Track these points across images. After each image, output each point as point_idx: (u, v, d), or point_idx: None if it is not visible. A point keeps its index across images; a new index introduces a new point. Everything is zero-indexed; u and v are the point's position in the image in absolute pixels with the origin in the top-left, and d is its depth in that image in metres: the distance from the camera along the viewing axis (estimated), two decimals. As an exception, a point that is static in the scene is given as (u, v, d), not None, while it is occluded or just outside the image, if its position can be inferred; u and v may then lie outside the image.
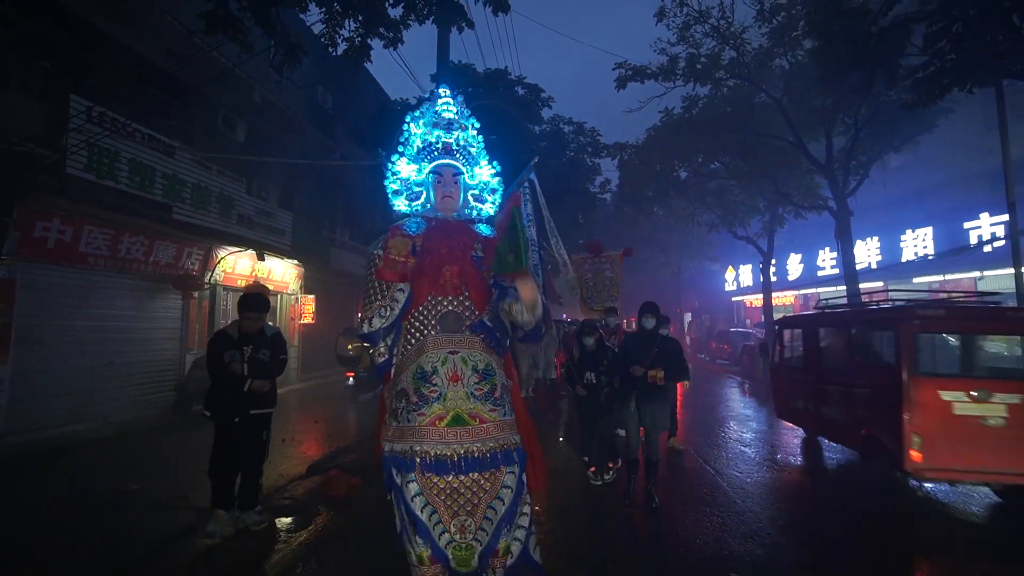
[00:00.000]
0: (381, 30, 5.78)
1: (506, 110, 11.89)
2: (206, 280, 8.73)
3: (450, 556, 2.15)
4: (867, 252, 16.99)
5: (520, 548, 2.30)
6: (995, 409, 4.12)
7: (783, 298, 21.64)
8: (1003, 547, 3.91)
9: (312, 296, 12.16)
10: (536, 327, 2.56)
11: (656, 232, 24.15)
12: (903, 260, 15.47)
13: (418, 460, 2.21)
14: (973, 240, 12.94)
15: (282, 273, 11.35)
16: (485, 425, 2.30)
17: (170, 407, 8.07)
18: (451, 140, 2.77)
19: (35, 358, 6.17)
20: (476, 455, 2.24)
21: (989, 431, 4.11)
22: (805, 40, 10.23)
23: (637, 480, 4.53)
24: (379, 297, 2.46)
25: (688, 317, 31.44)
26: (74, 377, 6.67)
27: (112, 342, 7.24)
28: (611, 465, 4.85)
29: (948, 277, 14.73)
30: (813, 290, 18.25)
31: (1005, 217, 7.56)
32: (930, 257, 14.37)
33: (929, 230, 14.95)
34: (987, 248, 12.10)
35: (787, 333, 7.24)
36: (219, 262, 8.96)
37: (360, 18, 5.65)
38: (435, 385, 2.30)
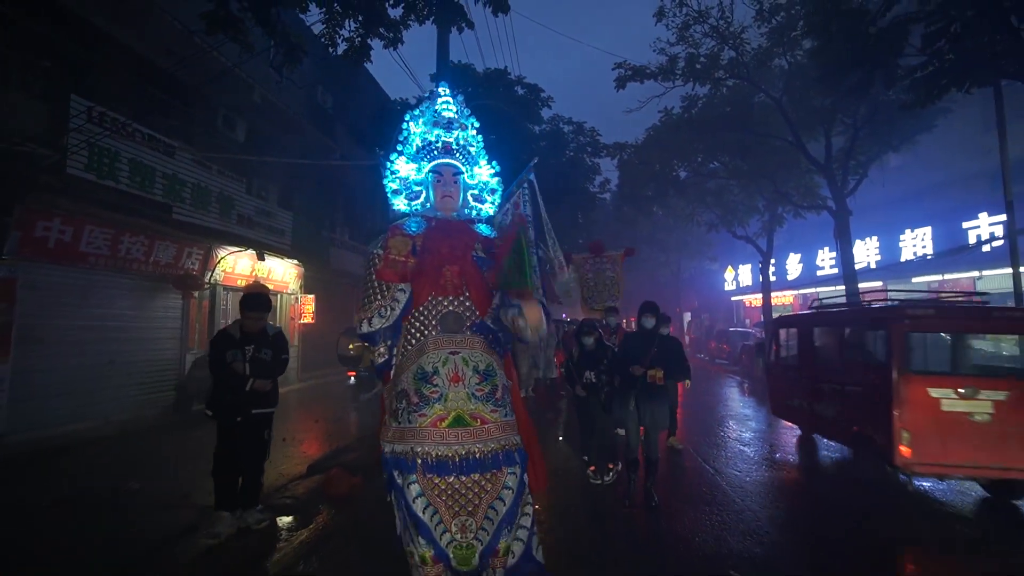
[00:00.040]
0: (381, 30, 5.80)
1: (506, 110, 11.91)
2: (206, 280, 8.73)
3: (451, 555, 2.15)
4: (866, 252, 17.01)
5: (522, 548, 2.29)
6: (982, 406, 4.26)
7: (782, 298, 21.66)
8: (991, 541, 3.98)
9: (312, 296, 12.17)
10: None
11: (655, 232, 24.18)
12: (902, 260, 15.50)
13: (419, 461, 2.20)
14: (972, 240, 12.97)
15: (282, 273, 11.36)
16: (487, 426, 2.30)
17: (170, 406, 8.08)
18: (451, 139, 2.76)
19: (36, 357, 6.18)
20: (478, 456, 2.24)
21: (976, 427, 4.25)
22: (804, 40, 10.24)
23: (637, 479, 4.55)
24: (379, 297, 2.45)
25: (687, 317, 31.47)
26: (75, 376, 6.68)
27: (112, 342, 7.25)
28: (611, 466, 4.85)
29: (947, 277, 14.76)
30: (812, 290, 18.26)
31: (1004, 217, 7.58)
32: (929, 257, 14.40)
33: (928, 230, 14.97)
34: (986, 248, 12.12)
35: (783, 332, 7.33)
36: (219, 262, 8.97)
37: (360, 18, 5.67)
38: (436, 386, 2.30)
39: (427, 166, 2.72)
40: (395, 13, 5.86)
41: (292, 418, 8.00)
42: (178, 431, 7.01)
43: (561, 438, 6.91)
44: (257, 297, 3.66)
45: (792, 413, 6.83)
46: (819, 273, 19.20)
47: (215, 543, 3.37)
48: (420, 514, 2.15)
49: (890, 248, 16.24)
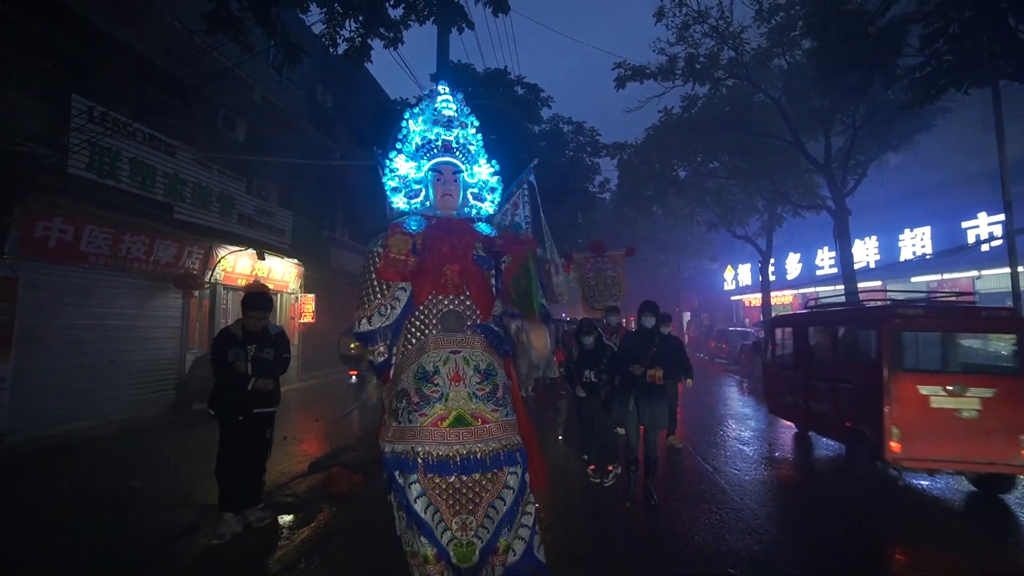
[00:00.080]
0: (381, 30, 5.81)
1: (506, 110, 11.92)
2: (206, 279, 8.75)
3: (451, 553, 2.14)
4: (865, 251, 17.04)
5: (524, 547, 2.28)
6: (969, 402, 4.42)
7: (782, 297, 21.69)
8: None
9: (312, 295, 12.19)
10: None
11: (655, 231, 24.20)
12: (901, 259, 15.52)
13: (420, 461, 2.19)
14: (971, 240, 12.99)
15: (282, 272, 11.37)
16: (488, 426, 2.28)
17: (170, 405, 8.09)
18: (451, 138, 2.74)
19: (36, 357, 6.19)
20: (479, 456, 2.22)
21: (964, 423, 4.40)
22: (803, 40, 10.26)
23: (636, 478, 4.57)
24: (379, 295, 2.44)
25: (687, 316, 31.50)
26: (75, 376, 6.69)
27: (113, 341, 7.26)
28: (610, 468, 4.84)
29: (946, 276, 14.77)
30: (812, 289, 18.29)
31: (1003, 216, 7.60)
32: (928, 257, 14.42)
33: (927, 229, 14.99)
34: (985, 247, 12.14)
35: (779, 331, 7.46)
36: (219, 261, 8.98)
37: (360, 18, 5.68)
38: (437, 385, 2.28)
39: (427, 164, 2.70)
40: (395, 13, 5.88)
41: (292, 417, 8.02)
42: (178, 430, 7.03)
43: (561, 438, 6.93)
44: (259, 296, 3.65)
45: (788, 410, 6.96)
46: (819, 273, 19.22)
47: (219, 543, 3.37)
48: (422, 514, 2.14)
49: (889, 248, 16.26)
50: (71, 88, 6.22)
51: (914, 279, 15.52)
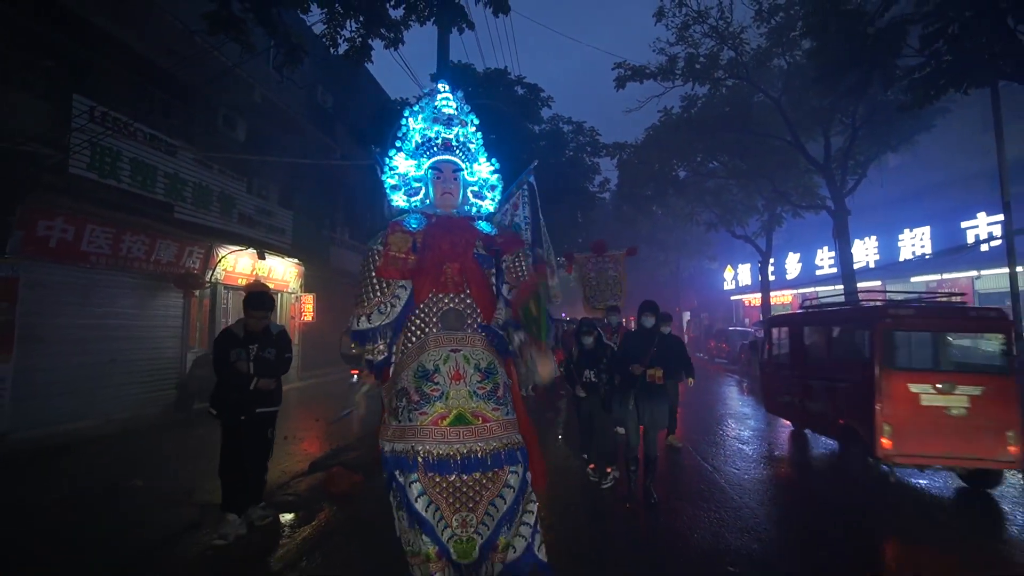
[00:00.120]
0: (382, 31, 5.83)
1: (505, 110, 11.94)
2: (207, 279, 8.76)
3: (451, 549, 2.14)
4: (865, 251, 17.05)
5: (524, 544, 2.28)
6: (958, 400, 4.57)
7: (781, 297, 21.71)
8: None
9: (312, 295, 12.21)
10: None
11: (655, 231, 24.22)
12: (901, 259, 15.54)
13: (420, 460, 2.18)
14: (970, 239, 13.01)
15: (282, 272, 11.39)
16: (488, 424, 2.28)
17: (171, 405, 8.11)
18: (451, 136, 2.74)
19: (38, 356, 6.20)
20: (479, 455, 2.21)
21: (952, 420, 4.55)
22: (803, 40, 10.28)
23: (636, 477, 4.58)
24: (378, 293, 2.43)
25: (687, 316, 31.52)
26: (76, 375, 6.71)
27: (114, 340, 7.28)
28: (609, 470, 4.82)
29: (945, 276, 14.79)
30: (811, 289, 18.32)
31: (1002, 217, 7.62)
32: (928, 256, 14.44)
33: (927, 229, 15.01)
34: (984, 247, 12.16)
35: (775, 331, 7.58)
36: (220, 261, 9.00)
37: (361, 19, 5.69)
38: (437, 384, 2.27)
39: (427, 162, 2.69)
40: (396, 14, 5.89)
41: (293, 417, 8.03)
42: (179, 429, 7.05)
43: (561, 437, 6.95)
44: (260, 296, 3.65)
45: (784, 409, 7.07)
46: (818, 272, 19.24)
47: (222, 544, 3.36)
48: (423, 512, 2.14)
49: (889, 248, 16.28)
50: (72, 88, 6.23)
51: (913, 279, 15.53)
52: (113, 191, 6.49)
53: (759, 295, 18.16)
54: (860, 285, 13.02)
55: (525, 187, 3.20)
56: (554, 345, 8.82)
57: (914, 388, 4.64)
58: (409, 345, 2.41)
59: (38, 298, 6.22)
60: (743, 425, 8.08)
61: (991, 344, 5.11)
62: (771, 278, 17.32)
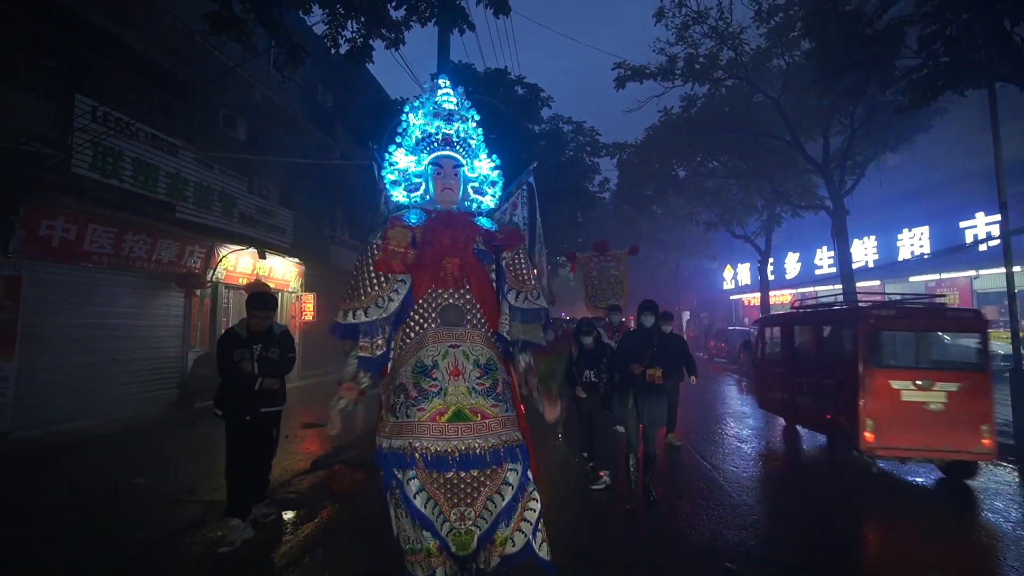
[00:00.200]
0: (383, 31, 5.84)
1: (505, 110, 11.95)
2: (208, 278, 8.79)
3: (450, 542, 2.14)
4: (864, 251, 17.10)
5: (524, 541, 2.27)
6: (936, 396, 4.84)
7: (781, 296, 21.76)
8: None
9: (312, 294, 12.23)
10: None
11: (655, 231, 24.25)
12: (900, 259, 15.59)
13: (418, 456, 2.16)
14: (969, 239, 13.05)
15: (283, 271, 11.41)
16: (487, 421, 2.26)
17: (172, 404, 8.13)
18: (451, 131, 2.73)
19: (40, 355, 6.23)
20: (478, 451, 2.19)
21: (931, 414, 4.82)
22: (802, 41, 10.30)
23: (636, 475, 4.61)
24: (375, 287, 2.40)
25: (686, 315, 31.56)
26: (78, 374, 6.73)
27: (115, 339, 7.30)
28: (602, 474, 4.80)
29: (944, 276, 14.85)
30: (811, 288, 18.38)
31: (1000, 216, 7.66)
32: (926, 256, 14.49)
33: (925, 229, 15.06)
34: (982, 247, 12.20)
35: (767, 331, 7.87)
36: (221, 260, 9.02)
37: (362, 19, 5.71)
38: (435, 380, 2.25)
39: (427, 158, 2.68)
40: (397, 15, 5.90)
41: (294, 415, 8.06)
42: (180, 428, 7.08)
43: (561, 437, 6.98)
44: (262, 296, 3.65)
45: (776, 405, 7.33)
46: (817, 272, 19.30)
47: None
48: (422, 509, 2.13)
49: (888, 247, 16.33)
50: (74, 88, 6.26)
51: (912, 279, 15.59)
52: (115, 191, 6.52)
53: (759, 294, 18.20)
54: (859, 285, 13.06)
55: (524, 187, 3.21)
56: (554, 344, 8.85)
57: (895, 384, 4.89)
58: (408, 341, 2.39)
59: (40, 297, 6.24)
60: (742, 424, 8.12)
61: (967, 343, 5.36)
62: (770, 278, 17.35)
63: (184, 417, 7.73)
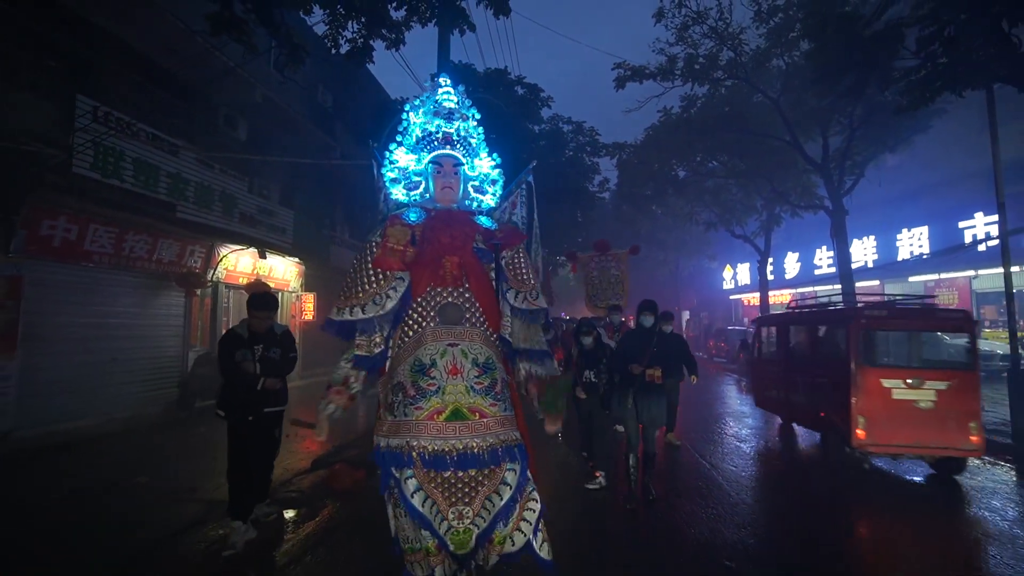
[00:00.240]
0: (383, 32, 5.86)
1: (504, 109, 11.96)
2: (209, 278, 8.80)
3: (449, 541, 2.13)
4: (863, 251, 17.13)
5: (524, 541, 2.26)
6: (926, 394, 4.98)
7: (780, 296, 21.79)
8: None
9: (312, 293, 12.25)
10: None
11: (654, 231, 24.28)
12: (899, 259, 15.61)
13: (415, 455, 2.15)
14: (968, 239, 13.07)
15: (283, 271, 11.43)
16: (485, 420, 2.25)
17: (173, 403, 8.14)
18: (451, 130, 2.72)
19: (41, 355, 6.24)
20: (475, 451, 2.18)
21: (921, 412, 4.96)
22: (802, 41, 10.32)
23: (636, 475, 4.62)
24: (373, 284, 2.40)
25: (686, 315, 31.58)
26: (79, 373, 6.74)
27: (116, 339, 7.31)
28: (597, 475, 4.81)
29: (943, 276, 14.88)
30: (810, 288, 18.41)
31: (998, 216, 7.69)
32: (925, 256, 14.52)
33: (925, 229, 15.09)
34: (981, 247, 12.22)
35: (764, 330, 7.99)
36: (221, 260, 9.04)
37: (363, 20, 5.73)
38: (433, 378, 2.24)
39: (427, 157, 2.67)
40: (398, 15, 5.93)
41: (295, 415, 8.07)
42: (181, 428, 7.10)
43: (560, 436, 6.99)
44: (263, 297, 3.65)
45: (772, 403, 7.46)
46: (816, 272, 19.33)
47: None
48: (419, 508, 2.12)
49: (887, 247, 16.36)
50: (75, 88, 6.27)
51: (912, 279, 15.62)
52: (116, 191, 6.53)
53: (758, 294, 18.23)
54: (859, 285, 13.09)
55: (523, 186, 3.22)
56: (555, 343, 8.90)
57: (886, 383, 5.02)
58: (406, 339, 2.38)
59: (41, 297, 6.26)
60: (740, 423, 8.15)
61: (956, 342, 5.47)
62: (770, 277, 17.38)
63: (184, 416, 7.75)
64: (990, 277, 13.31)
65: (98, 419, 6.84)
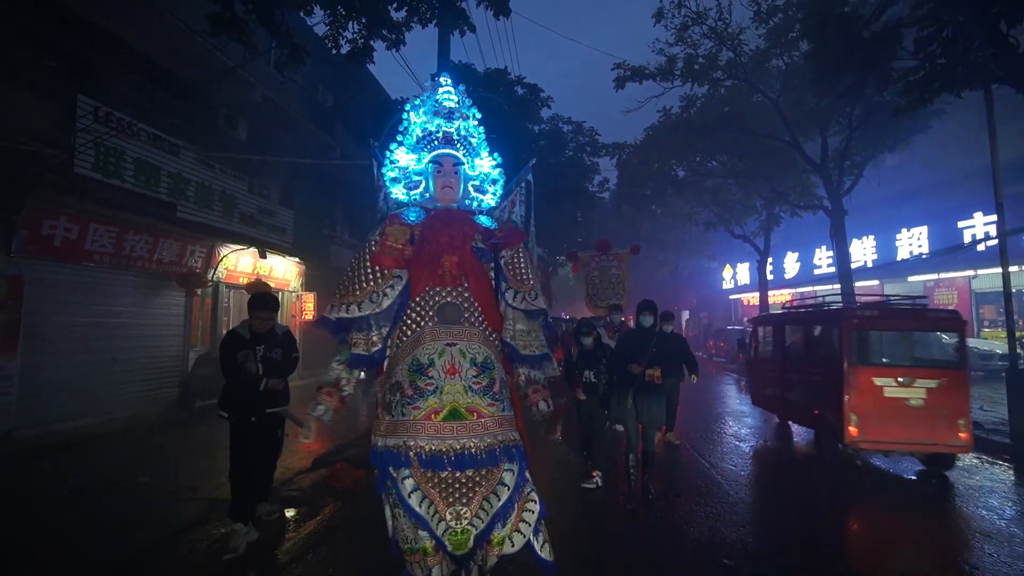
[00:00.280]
0: (384, 32, 5.88)
1: (505, 107, 11.97)
2: (209, 277, 8.81)
3: (447, 542, 2.12)
4: (863, 251, 17.14)
5: (523, 541, 2.25)
6: (916, 392, 5.10)
7: (780, 296, 21.81)
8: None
9: (313, 293, 12.27)
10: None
11: (654, 230, 24.30)
12: (898, 259, 15.63)
13: (412, 455, 2.14)
14: (967, 239, 13.08)
15: (283, 271, 11.44)
16: (483, 420, 2.23)
17: (173, 403, 8.15)
18: (452, 129, 2.72)
19: (41, 354, 6.25)
20: (472, 451, 2.16)
21: (912, 410, 5.07)
22: (801, 41, 10.34)
23: (635, 474, 4.64)
24: (371, 282, 2.39)
25: (686, 315, 31.60)
26: (79, 373, 6.76)
27: (116, 338, 7.33)
28: (594, 475, 4.81)
29: (943, 276, 14.90)
30: (810, 288, 18.43)
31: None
32: (925, 256, 14.53)
33: (924, 229, 15.10)
34: (980, 247, 12.24)
35: (760, 330, 8.11)
36: (222, 260, 9.05)
37: (363, 20, 5.74)
38: (431, 378, 2.23)
39: (427, 156, 2.67)
40: (398, 16, 5.94)
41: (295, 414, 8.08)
42: (181, 428, 7.12)
43: (560, 436, 7.01)
44: (264, 297, 3.64)
45: (768, 401, 7.56)
46: (816, 272, 19.35)
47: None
48: (416, 508, 2.12)
49: (887, 247, 16.37)
50: (76, 88, 6.29)
51: (911, 278, 15.64)
52: (117, 191, 6.55)
53: (758, 294, 18.25)
54: (858, 284, 13.11)
55: (523, 184, 3.22)
56: (555, 343, 8.90)
57: (878, 381, 5.14)
58: (404, 339, 2.37)
59: (42, 297, 6.27)
60: (740, 422, 8.17)
61: (945, 341, 5.60)
62: (769, 277, 17.40)
63: (185, 416, 7.76)
64: (989, 277, 13.34)
65: (99, 419, 6.85)
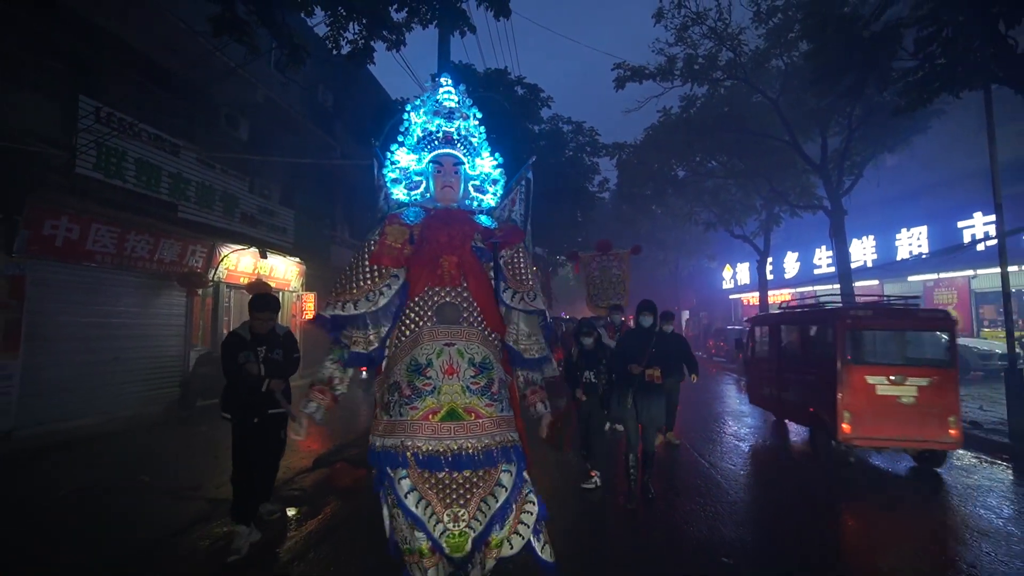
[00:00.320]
0: (384, 33, 5.89)
1: (506, 106, 11.98)
2: (210, 277, 8.83)
3: (444, 544, 2.10)
4: (863, 251, 17.16)
5: (522, 543, 2.24)
6: (908, 390, 5.21)
7: (780, 296, 21.82)
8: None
9: (313, 293, 12.29)
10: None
11: (654, 230, 24.32)
12: (898, 259, 15.64)
13: (410, 455, 2.13)
14: (967, 239, 13.10)
15: (284, 270, 11.45)
16: (481, 420, 2.21)
17: (174, 403, 8.16)
18: (452, 129, 2.73)
19: (43, 354, 6.27)
20: (470, 451, 2.15)
21: (903, 407, 5.19)
22: (801, 41, 10.35)
23: (635, 474, 4.65)
24: (368, 281, 2.39)
25: (686, 315, 31.61)
26: (80, 373, 6.77)
27: (118, 338, 7.34)
28: (593, 474, 4.82)
29: (942, 276, 14.91)
30: (810, 288, 18.45)
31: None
32: (924, 256, 14.55)
33: (924, 229, 15.11)
34: (980, 247, 12.25)
35: (757, 330, 8.24)
36: (222, 260, 9.06)
37: (364, 21, 5.75)
38: (429, 378, 2.21)
39: (427, 156, 2.68)
40: (398, 17, 5.95)
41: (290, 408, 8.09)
42: (182, 427, 7.13)
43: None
44: (265, 298, 3.63)
45: (765, 400, 7.67)
46: (816, 272, 19.36)
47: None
48: (414, 509, 2.11)
49: (886, 247, 16.38)
50: (78, 89, 6.30)
51: (911, 278, 15.65)
52: (118, 191, 6.57)
53: (758, 294, 18.25)
54: (858, 284, 13.12)
55: (523, 183, 3.22)
56: (556, 343, 8.90)
57: (870, 379, 5.25)
58: (403, 339, 2.36)
59: (44, 297, 6.28)
60: (739, 422, 8.18)
61: (936, 341, 5.69)
62: (769, 277, 17.41)
63: (186, 416, 7.77)
64: (989, 277, 13.35)
65: (100, 418, 6.87)
